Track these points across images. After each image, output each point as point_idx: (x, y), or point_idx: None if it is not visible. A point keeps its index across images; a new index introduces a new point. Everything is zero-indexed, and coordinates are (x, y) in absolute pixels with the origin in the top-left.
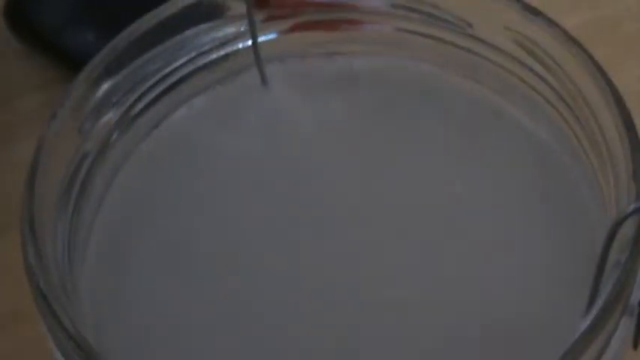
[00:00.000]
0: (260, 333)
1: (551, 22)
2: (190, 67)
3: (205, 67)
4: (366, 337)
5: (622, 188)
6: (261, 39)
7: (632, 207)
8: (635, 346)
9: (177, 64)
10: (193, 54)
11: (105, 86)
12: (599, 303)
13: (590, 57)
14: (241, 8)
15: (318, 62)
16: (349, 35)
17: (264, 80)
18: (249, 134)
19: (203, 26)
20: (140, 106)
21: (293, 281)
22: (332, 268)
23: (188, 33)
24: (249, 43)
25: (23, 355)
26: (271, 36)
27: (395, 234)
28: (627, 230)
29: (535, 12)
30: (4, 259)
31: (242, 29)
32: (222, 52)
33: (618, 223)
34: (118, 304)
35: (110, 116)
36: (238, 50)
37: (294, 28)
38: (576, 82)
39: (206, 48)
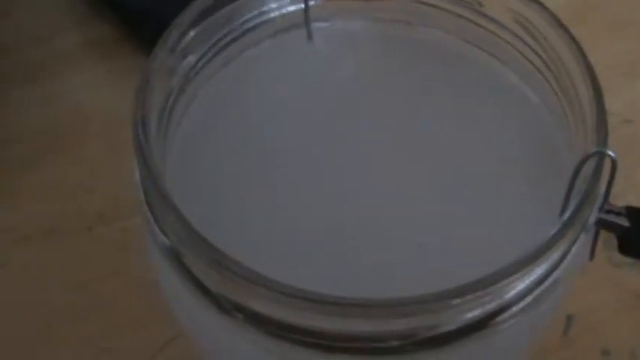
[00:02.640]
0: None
1: (543, 6)
2: (253, 23)
3: (265, 22)
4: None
5: (588, 135)
6: (310, 3)
7: (593, 150)
8: (591, 257)
9: (243, 19)
10: (256, 12)
11: (188, 37)
12: (563, 220)
13: (570, 34)
14: None
15: (353, 24)
16: (380, 4)
17: (309, 36)
18: (296, 77)
19: None
20: (213, 52)
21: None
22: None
23: None
24: (301, 5)
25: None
26: (318, 2)
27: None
28: (589, 166)
29: None
30: (41, 184)
31: None
32: (278, 13)
33: (582, 162)
34: (192, 185)
35: (190, 59)
36: (291, 11)
37: None
38: (558, 53)
39: (266, 8)
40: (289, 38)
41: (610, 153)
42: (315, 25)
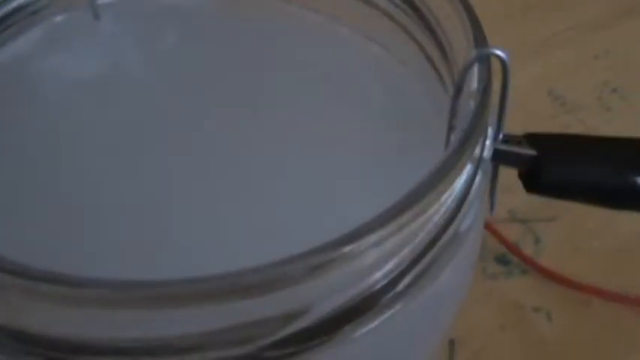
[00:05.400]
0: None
1: None
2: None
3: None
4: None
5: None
6: None
7: (473, 54)
8: (491, 210)
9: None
10: None
11: None
12: (450, 149)
13: None
14: None
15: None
16: None
17: (95, 15)
18: (81, 57)
19: None
20: None
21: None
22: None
23: None
24: None
25: None
26: None
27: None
28: (472, 77)
29: None
30: None
31: None
32: None
33: (465, 69)
34: None
35: None
36: None
37: None
38: None
39: None
40: (74, 18)
41: (498, 52)
42: (102, 2)
